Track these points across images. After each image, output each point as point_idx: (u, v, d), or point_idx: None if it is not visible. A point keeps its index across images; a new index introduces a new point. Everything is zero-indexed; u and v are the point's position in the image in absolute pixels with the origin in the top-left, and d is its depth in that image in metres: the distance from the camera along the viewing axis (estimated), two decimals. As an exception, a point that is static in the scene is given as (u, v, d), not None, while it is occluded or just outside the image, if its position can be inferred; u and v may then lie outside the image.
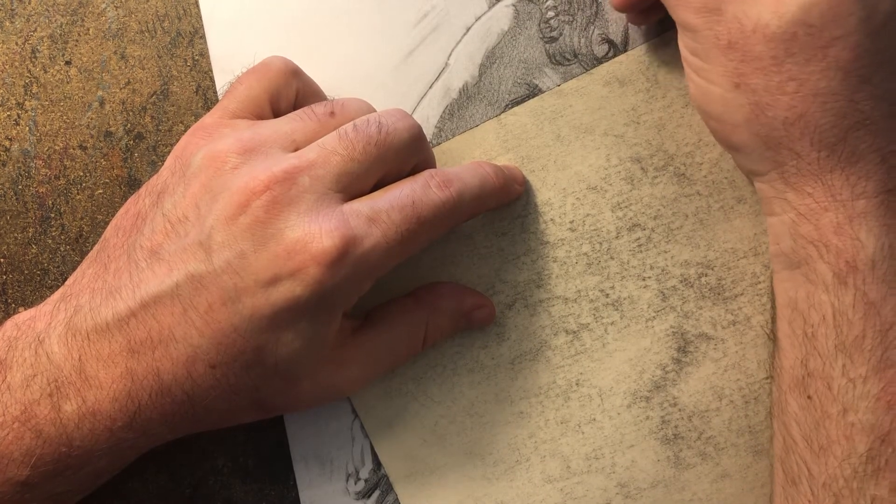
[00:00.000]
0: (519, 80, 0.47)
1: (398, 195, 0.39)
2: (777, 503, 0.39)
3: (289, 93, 0.44)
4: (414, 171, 0.41)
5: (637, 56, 0.46)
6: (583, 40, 0.47)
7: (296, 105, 0.44)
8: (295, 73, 0.44)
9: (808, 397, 0.37)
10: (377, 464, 0.46)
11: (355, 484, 0.46)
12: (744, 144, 0.38)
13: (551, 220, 0.46)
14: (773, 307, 0.40)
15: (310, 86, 0.45)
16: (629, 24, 0.46)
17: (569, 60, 0.47)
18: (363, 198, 0.39)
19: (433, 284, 0.46)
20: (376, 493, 0.46)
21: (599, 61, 0.46)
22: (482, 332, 0.46)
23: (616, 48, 0.46)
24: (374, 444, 0.46)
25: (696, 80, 0.39)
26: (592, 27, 0.47)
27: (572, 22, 0.47)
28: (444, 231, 0.41)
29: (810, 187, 0.37)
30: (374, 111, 0.43)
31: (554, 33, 0.47)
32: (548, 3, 0.47)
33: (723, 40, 0.37)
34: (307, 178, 0.38)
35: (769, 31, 0.36)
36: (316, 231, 0.36)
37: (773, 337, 0.41)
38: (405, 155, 0.41)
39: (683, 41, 0.40)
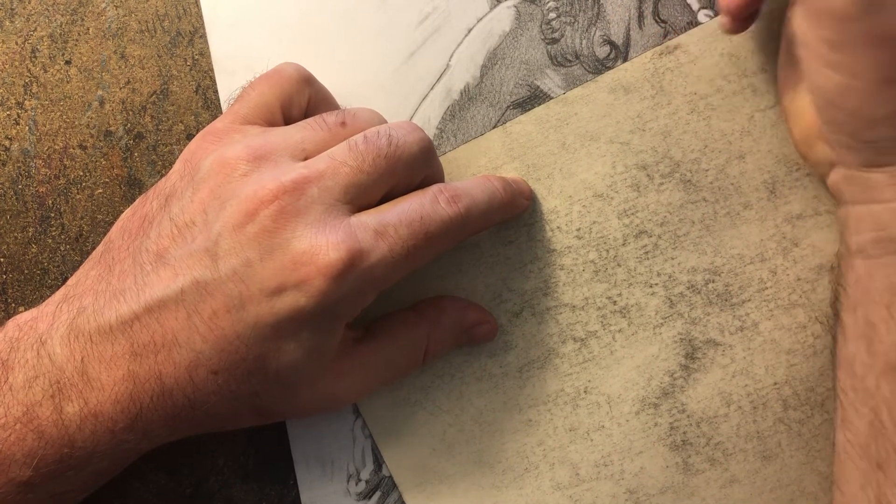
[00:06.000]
0: (520, 82, 0.47)
1: (406, 209, 0.39)
2: (851, 489, 0.39)
3: (301, 100, 0.43)
4: (422, 184, 0.41)
5: (642, 63, 0.46)
6: (584, 41, 0.47)
7: (307, 113, 0.44)
8: (308, 81, 0.44)
9: None
10: (378, 465, 0.46)
11: (356, 485, 0.46)
12: (880, 138, 0.37)
13: (558, 228, 0.46)
14: (837, 293, 0.40)
15: (322, 94, 0.45)
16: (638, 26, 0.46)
17: (570, 62, 0.47)
18: (371, 210, 0.39)
19: (436, 298, 0.46)
20: (377, 495, 0.46)
21: (601, 62, 0.46)
22: (489, 341, 0.46)
23: (617, 49, 0.46)
24: (383, 454, 0.46)
25: (830, 75, 0.37)
26: (594, 28, 0.47)
27: (574, 23, 0.47)
28: (451, 246, 0.41)
29: None
30: (385, 122, 0.43)
31: (555, 34, 0.47)
32: (549, 4, 0.47)
33: (879, 33, 0.35)
34: (316, 188, 0.38)
35: None
36: (323, 243, 0.36)
37: (834, 321, 0.40)
38: (414, 168, 0.40)
39: (820, 33, 0.37)
